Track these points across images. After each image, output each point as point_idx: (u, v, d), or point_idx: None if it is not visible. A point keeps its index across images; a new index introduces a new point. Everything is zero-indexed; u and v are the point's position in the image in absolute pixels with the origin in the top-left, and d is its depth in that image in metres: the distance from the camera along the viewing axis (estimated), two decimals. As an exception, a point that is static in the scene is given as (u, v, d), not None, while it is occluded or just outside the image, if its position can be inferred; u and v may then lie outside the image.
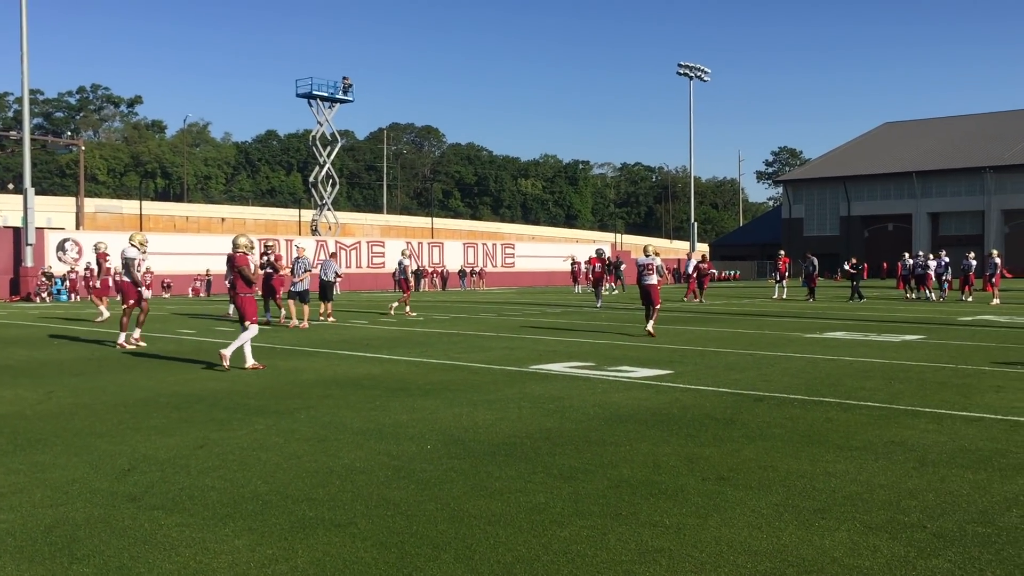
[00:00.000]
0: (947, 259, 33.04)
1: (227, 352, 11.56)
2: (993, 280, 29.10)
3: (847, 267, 32.23)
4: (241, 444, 6.69)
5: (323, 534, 4.47)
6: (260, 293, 19.99)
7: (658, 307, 16.91)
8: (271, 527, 4.59)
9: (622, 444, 6.61)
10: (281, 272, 19.82)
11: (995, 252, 30.50)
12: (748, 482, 5.46)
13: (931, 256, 33.39)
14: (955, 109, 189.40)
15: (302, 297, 19.99)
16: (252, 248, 12.39)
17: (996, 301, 27.87)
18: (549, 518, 4.72)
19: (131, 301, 15.02)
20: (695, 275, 32.70)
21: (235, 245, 12.11)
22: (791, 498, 5.09)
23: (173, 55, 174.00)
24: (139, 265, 15.32)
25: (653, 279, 16.93)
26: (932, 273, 32.09)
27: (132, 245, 15.02)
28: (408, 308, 23.85)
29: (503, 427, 7.32)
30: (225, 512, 4.87)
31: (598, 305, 27.87)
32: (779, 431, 7.07)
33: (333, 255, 24.61)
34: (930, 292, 32.19)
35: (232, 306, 22.36)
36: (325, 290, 21.66)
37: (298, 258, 20.51)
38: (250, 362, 11.53)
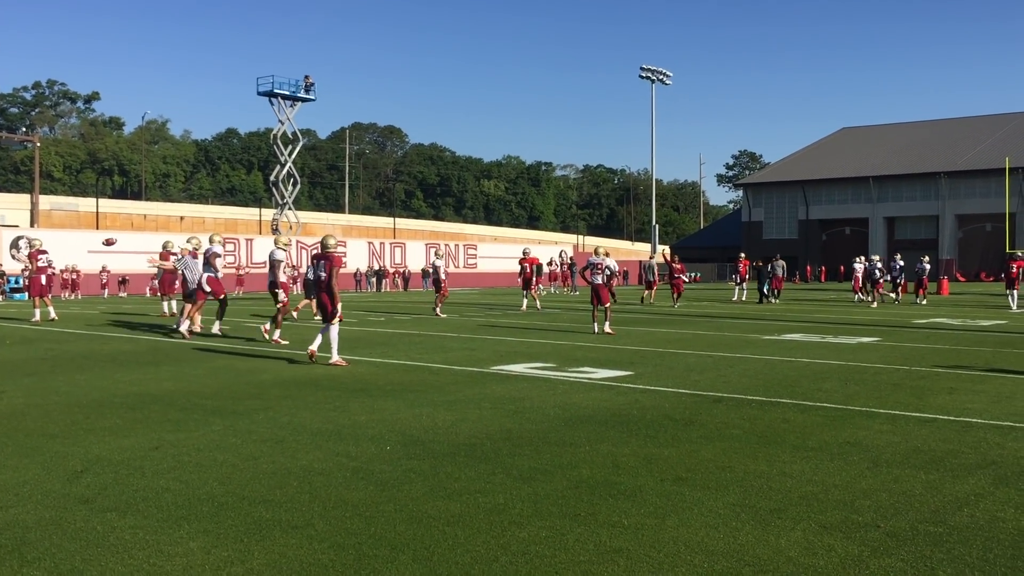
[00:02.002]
0: (902, 262, 33.59)
1: (327, 348, 11.89)
2: (900, 282, 32.24)
3: (755, 265, 32.88)
4: (197, 445, 6.61)
5: (280, 536, 4.43)
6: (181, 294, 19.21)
7: (608, 306, 17.05)
8: (227, 529, 4.54)
9: (581, 445, 6.62)
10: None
11: (898, 255, 32.38)
12: (706, 482, 5.50)
13: (857, 259, 34.55)
14: (911, 115, 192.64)
15: (188, 297, 17.21)
16: (336, 247, 12.59)
17: (895, 298, 31.53)
18: (508, 519, 4.72)
19: (284, 301, 15.53)
20: (666, 277, 32.43)
21: (325, 246, 12.30)
22: (748, 498, 5.13)
23: (132, 51, 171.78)
24: (285, 267, 15.84)
25: (599, 279, 17.05)
26: (859, 275, 33.32)
27: (279, 248, 15.64)
28: (439, 309, 23.42)
29: (463, 428, 7.31)
30: (180, 514, 4.81)
31: (522, 308, 26.47)
32: (737, 432, 7.14)
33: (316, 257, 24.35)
34: (860, 294, 33.27)
35: (167, 303, 22.08)
36: (308, 288, 21.73)
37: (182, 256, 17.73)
38: (335, 358, 11.79)
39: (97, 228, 58.22)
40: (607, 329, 16.78)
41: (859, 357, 12.89)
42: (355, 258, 57.58)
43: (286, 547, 4.25)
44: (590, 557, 4.13)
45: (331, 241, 12.39)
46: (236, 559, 4.09)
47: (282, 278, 15.65)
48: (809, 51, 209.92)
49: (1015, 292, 27.72)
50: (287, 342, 14.89)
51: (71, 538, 4.40)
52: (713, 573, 3.93)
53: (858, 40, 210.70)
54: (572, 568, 3.98)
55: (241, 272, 49.40)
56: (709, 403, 8.64)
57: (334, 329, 11.88)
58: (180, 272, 17.90)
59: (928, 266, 32.40)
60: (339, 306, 11.98)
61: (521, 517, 4.75)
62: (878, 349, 14.19)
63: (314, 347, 11.95)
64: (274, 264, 15.62)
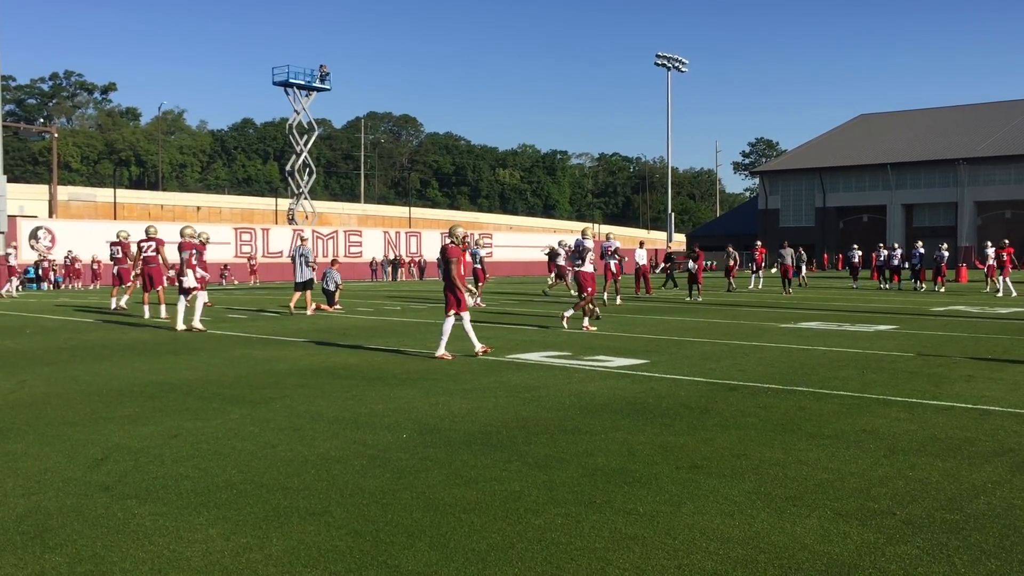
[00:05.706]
0: (921, 250, 33.40)
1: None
2: (918, 270, 32.70)
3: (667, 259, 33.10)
4: (215, 433, 6.66)
5: (297, 523, 4.47)
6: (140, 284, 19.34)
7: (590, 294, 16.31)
8: (245, 516, 4.58)
9: (597, 433, 6.64)
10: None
11: (918, 243, 33.93)
12: (721, 470, 5.51)
13: (855, 247, 36.92)
14: (930, 101, 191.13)
15: (305, 286, 20.08)
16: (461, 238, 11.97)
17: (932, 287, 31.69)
18: (524, 506, 4.74)
19: (590, 290, 15.56)
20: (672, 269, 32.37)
21: (454, 235, 11.74)
22: (763, 486, 5.14)
23: (148, 42, 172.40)
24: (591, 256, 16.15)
25: (613, 262, 17.00)
26: (857, 262, 35.95)
27: (587, 238, 16.05)
28: (480, 299, 22.53)
29: (479, 416, 7.33)
30: (199, 501, 4.86)
31: (476, 302, 23.39)
32: (753, 420, 7.13)
33: (334, 262, 23.67)
34: (855, 281, 35.72)
35: (115, 300, 21.10)
36: (327, 297, 22.18)
37: (299, 247, 20.43)
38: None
39: (115, 218, 58.53)
40: (586, 318, 15.83)
41: (876, 345, 12.83)
42: (371, 247, 57.76)
43: (304, 534, 4.29)
44: (605, 544, 4.14)
45: (460, 231, 11.85)
46: (255, 545, 4.13)
47: (588, 268, 15.70)
48: (827, 37, 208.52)
49: (1005, 279, 28.80)
50: (595, 329, 15.24)
51: (92, 525, 4.45)
52: (728, 560, 3.94)
53: (876, 26, 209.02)
54: (588, 555, 4.00)
55: (253, 263, 49.53)
56: (725, 391, 8.63)
57: (448, 322, 11.55)
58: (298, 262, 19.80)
59: (947, 253, 32.27)
60: (464, 297, 11.62)
61: (537, 504, 4.77)
62: (895, 337, 14.12)
63: (478, 345, 11.67)
64: (582, 252, 15.76)
